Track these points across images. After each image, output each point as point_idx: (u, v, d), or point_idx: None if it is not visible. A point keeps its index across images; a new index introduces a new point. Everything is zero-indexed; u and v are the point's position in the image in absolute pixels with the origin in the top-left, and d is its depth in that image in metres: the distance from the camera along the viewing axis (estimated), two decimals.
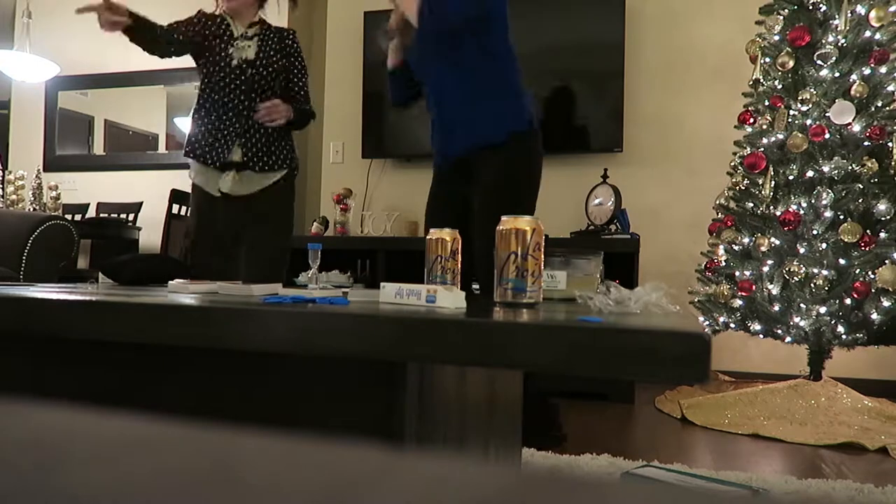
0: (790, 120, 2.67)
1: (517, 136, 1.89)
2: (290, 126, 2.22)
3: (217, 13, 2.26)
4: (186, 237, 2.29)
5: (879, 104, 2.58)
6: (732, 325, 2.78)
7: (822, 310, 2.51)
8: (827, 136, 2.54)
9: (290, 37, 2.27)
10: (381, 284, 1.00)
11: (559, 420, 2.10)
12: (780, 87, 2.77)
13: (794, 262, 2.52)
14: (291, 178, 2.26)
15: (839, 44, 2.62)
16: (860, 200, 2.52)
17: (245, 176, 2.18)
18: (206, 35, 2.21)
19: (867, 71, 2.58)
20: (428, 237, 1.17)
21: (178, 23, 2.23)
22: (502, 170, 1.87)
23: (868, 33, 2.59)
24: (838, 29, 2.61)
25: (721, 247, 2.82)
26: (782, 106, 2.70)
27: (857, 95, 2.53)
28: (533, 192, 1.93)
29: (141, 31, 2.10)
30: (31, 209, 3.59)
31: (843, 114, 2.53)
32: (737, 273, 2.72)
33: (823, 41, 2.63)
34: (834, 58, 2.59)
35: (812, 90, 2.62)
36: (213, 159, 2.17)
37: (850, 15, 2.60)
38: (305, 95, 2.28)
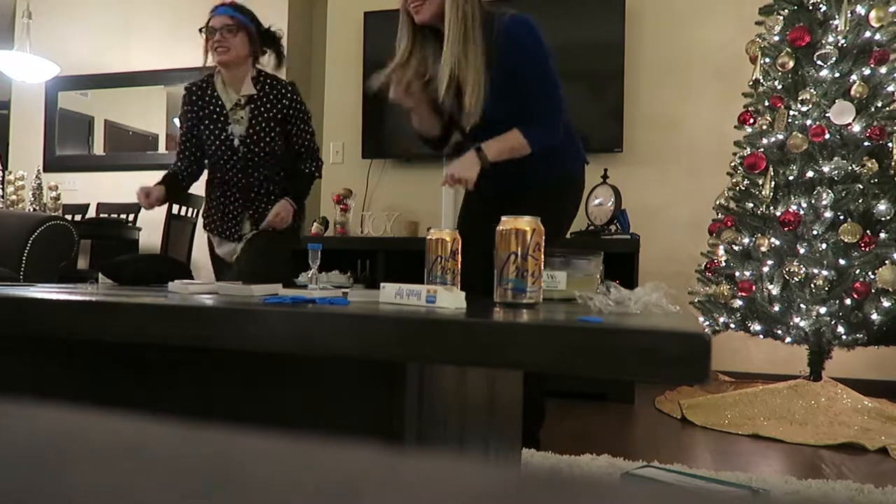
0: (790, 120, 2.67)
1: (570, 182, 1.90)
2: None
3: (203, 81, 2.20)
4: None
5: (879, 104, 2.58)
6: (732, 326, 2.78)
7: (822, 310, 2.51)
8: (827, 136, 2.54)
9: (288, 91, 2.18)
10: (381, 285, 1.00)
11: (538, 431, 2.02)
12: (780, 87, 2.77)
13: (794, 263, 2.52)
14: (299, 223, 2.32)
15: (839, 44, 2.62)
16: (860, 201, 2.52)
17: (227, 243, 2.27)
18: (199, 116, 2.18)
19: (867, 71, 2.58)
20: (428, 237, 1.17)
21: (183, 144, 2.26)
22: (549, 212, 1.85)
23: (868, 34, 2.59)
24: (838, 29, 2.61)
25: (721, 247, 2.82)
26: (782, 106, 2.70)
27: (857, 96, 2.53)
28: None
29: (175, 193, 2.24)
30: (31, 209, 3.59)
31: (843, 114, 2.53)
32: (737, 273, 2.72)
33: (823, 41, 2.63)
34: (834, 58, 2.59)
35: (812, 90, 2.62)
36: (228, 234, 2.24)
37: (849, 15, 2.60)
38: (308, 149, 2.26)
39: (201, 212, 2.35)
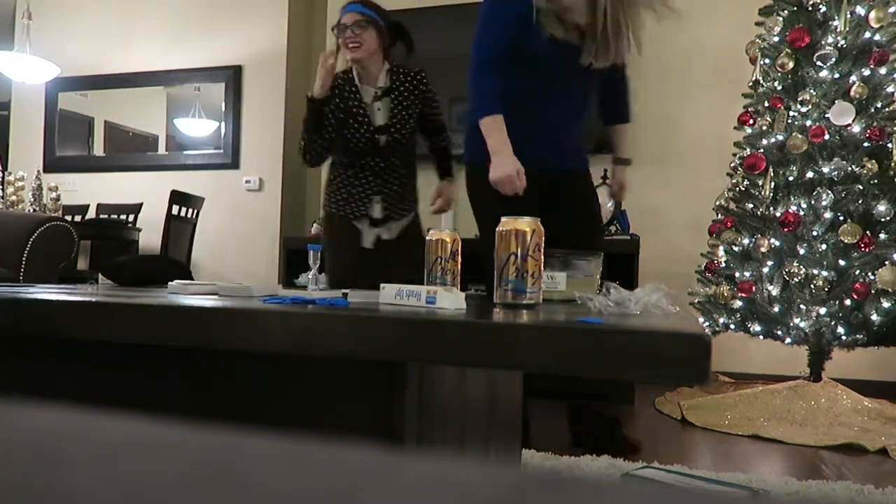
0: (790, 121, 2.67)
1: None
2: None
3: (344, 74, 2.23)
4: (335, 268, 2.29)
5: (879, 105, 2.58)
6: (732, 326, 2.78)
7: (822, 311, 2.51)
8: (827, 137, 2.54)
9: (420, 78, 2.25)
10: (381, 285, 1.00)
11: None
12: (779, 88, 2.77)
13: (794, 263, 2.52)
14: (418, 219, 2.39)
15: (839, 45, 2.62)
16: (860, 201, 2.52)
17: (388, 227, 2.29)
18: (341, 107, 2.21)
19: (867, 72, 2.58)
20: (427, 238, 1.17)
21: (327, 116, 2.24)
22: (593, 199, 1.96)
23: (868, 34, 2.59)
24: (838, 30, 2.61)
25: (721, 248, 2.82)
26: (782, 107, 2.70)
27: (857, 96, 2.53)
28: None
29: (320, 121, 2.18)
30: (31, 210, 3.59)
31: (842, 115, 2.53)
32: (737, 274, 2.72)
33: (823, 42, 2.63)
34: (833, 59, 2.60)
35: (812, 91, 2.62)
36: (353, 213, 2.25)
37: (849, 16, 2.60)
38: (442, 124, 2.36)
39: (325, 193, 2.35)
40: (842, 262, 2.51)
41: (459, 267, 1.17)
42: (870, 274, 2.46)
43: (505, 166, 1.68)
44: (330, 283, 2.17)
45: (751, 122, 2.81)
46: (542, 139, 1.82)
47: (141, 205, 3.97)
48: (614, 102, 2.01)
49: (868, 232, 2.48)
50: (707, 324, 2.83)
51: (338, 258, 2.24)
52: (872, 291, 2.45)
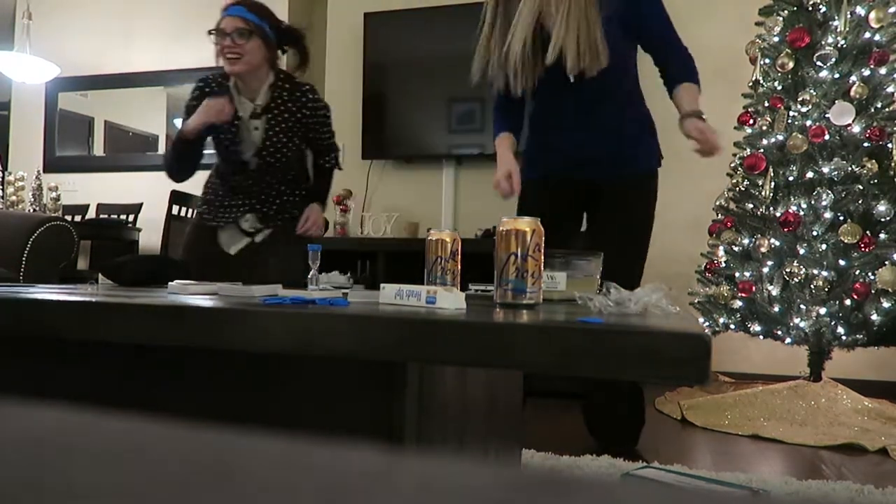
0: (790, 121, 2.67)
1: (653, 175, 2.02)
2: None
3: (218, 81, 2.02)
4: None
5: (879, 105, 2.58)
6: (732, 327, 2.78)
7: (822, 311, 2.51)
8: (827, 137, 2.54)
9: (308, 98, 2.05)
10: (381, 285, 1.00)
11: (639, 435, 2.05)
12: (779, 88, 2.77)
13: (794, 264, 2.52)
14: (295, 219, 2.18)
15: (839, 45, 2.62)
16: (860, 201, 2.52)
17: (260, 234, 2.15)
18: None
19: (867, 72, 2.58)
20: (427, 238, 1.17)
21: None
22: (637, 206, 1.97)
23: (868, 34, 2.59)
24: (838, 30, 2.61)
25: (721, 248, 2.82)
26: (782, 107, 2.70)
27: (857, 96, 2.53)
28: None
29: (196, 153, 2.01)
30: (31, 210, 3.59)
31: (842, 115, 2.53)
32: (737, 274, 2.72)
33: (823, 42, 2.63)
34: (833, 59, 2.60)
35: (812, 91, 2.62)
36: (219, 221, 2.11)
37: (849, 16, 2.60)
38: (328, 146, 2.18)
39: (201, 196, 2.20)
40: (842, 262, 2.51)
41: (459, 267, 1.17)
42: (870, 274, 2.46)
43: (496, 174, 1.86)
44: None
45: (751, 122, 2.81)
46: (561, 150, 1.94)
47: (141, 205, 3.97)
48: (664, 71, 2.00)
49: (868, 232, 2.48)
50: (707, 324, 2.83)
51: (193, 263, 2.05)
52: (872, 291, 2.45)
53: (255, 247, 2.13)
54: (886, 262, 2.45)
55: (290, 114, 2.02)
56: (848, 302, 2.48)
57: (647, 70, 3.08)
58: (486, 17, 1.82)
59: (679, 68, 1.92)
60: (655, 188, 1.99)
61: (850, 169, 2.52)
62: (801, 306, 2.54)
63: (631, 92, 1.95)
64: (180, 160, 2.00)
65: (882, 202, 2.49)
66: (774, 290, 2.60)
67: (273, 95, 2.00)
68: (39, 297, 0.88)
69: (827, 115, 2.56)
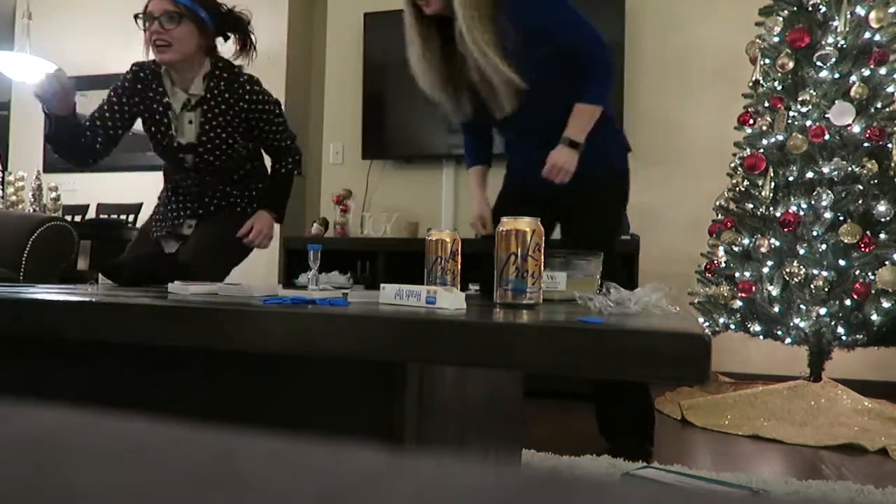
0: (790, 121, 2.67)
1: (618, 173, 1.91)
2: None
3: (153, 69, 1.87)
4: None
5: (879, 105, 2.58)
6: (732, 327, 2.78)
7: (822, 311, 2.51)
8: (827, 137, 2.54)
9: (245, 90, 1.86)
10: (381, 285, 1.00)
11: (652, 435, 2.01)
12: (779, 88, 2.77)
13: (794, 264, 2.52)
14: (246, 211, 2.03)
15: (839, 45, 2.62)
16: (860, 202, 2.51)
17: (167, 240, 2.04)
18: (140, 109, 1.88)
19: (867, 72, 2.58)
20: (427, 238, 1.17)
21: (104, 109, 1.85)
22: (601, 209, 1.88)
23: (868, 34, 2.59)
24: (838, 30, 2.61)
25: (721, 248, 2.82)
26: (782, 107, 2.70)
27: (857, 97, 2.53)
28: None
29: (60, 135, 1.74)
30: (31, 210, 3.59)
31: (842, 115, 2.53)
32: (737, 274, 2.72)
33: (823, 42, 2.63)
34: (833, 59, 2.60)
35: (812, 91, 2.62)
36: (158, 231, 2.01)
37: (849, 16, 2.60)
38: (280, 147, 1.98)
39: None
40: (842, 262, 2.51)
41: (459, 267, 1.17)
42: (870, 274, 2.46)
43: (471, 214, 1.97)
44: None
45: (751, 122, 2.81)
46: (519, 169, 1.97)
47: (141, 205, 3.97)
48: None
49: (868, 232, 2.48)
50: (707, 324, 2.83)
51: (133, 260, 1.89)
52: (872, 291, 2.44)
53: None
54: (886, 262, 2.45)
55: (228, 106, 1.84)
56: (848, 302, 2.48)
57: (648, 69, 3.14)
58: (413, 33, 1.77)
59: (584, 85, 1.76)
60: (619, 183, 1.92)
61: (850, 169, 2.52)
62: (801, 306, 2.54)
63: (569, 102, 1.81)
64: (54, 140, 1.79)
65: (882, 202, 2.49)
66: (774, 290, 2.60)
67: (209, 86, 1.83)
68: (39, 297, 0.88)
69: (827, 115, 2.56)
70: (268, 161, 2.07)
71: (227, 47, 1.93)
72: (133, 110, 1.88)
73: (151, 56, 1.81)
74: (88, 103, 4.36)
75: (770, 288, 2.60)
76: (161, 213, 2.04)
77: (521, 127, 1.86)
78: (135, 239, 2.16)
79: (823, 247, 2.53)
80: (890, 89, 2.57)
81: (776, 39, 2.78)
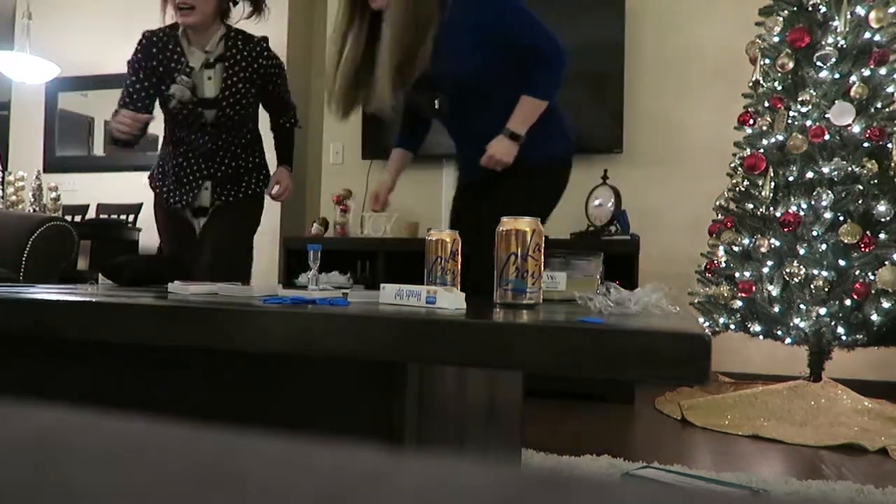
0: (790, 121, 2.67)
1: (550, 161, 1.84)
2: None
3: (164, 32, 2.01)
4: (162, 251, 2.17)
5: (879, 105, 2.58)
6: (732, 327, 2.78)
7: (822, 311, 2.51)
8: (827, 137, 2.54)
9: (263, 48, 2.02)
10: (381, 285, 1.00)
11: None
12: (779, 88, 2.77)
13: (794, 264, 2.52)
14: (260, 196, 2.18)
15: (839, 45, 2.62)
16: (860, 202, 2.51)
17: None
18: (160, 72, 1.98)
19: (867, 72, 2.58)
20: (427, 238, 1.17)
21: (134, 94, 2.01)
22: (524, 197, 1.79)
23: (868, 35, 2.59)
24: (838, 30, 2.61)
25: (721, 248, 2.82)
26: (782, 107, 2.70)
27: (857, 97, 2.53)
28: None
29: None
30: (31, 210, 3.59)
31: (842, 115, 2.53)
32: (737, 274, 2.72)
33: (823, 42, 2.63)
34: (833, 59, 2.60)
35: (812, 91, 2.62)
36: (177, 201, 2.08)
37: (849, 16, 2.60)
38: (287, 103, 2.16)
39: (154, 168, 2.17)
40: (842, 262, 2.51)
41: (459, 267, 1.17)
42: (870, 274, 2.46)
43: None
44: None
45: (751, 122, 2.81)
46: (465, 160, 1.95)
47: (141, 205, 3.97)
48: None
49: (868, 232, 2.48)
50: (707, 324, 2.83)
51: (171, 246, 2.12)
52: (872, 291, 2.45)
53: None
54: (886, 262, 2.45)
55: (247, 63, 1.99)
56: (848, 302, 2.48)
57: (648, 69, 3.14)
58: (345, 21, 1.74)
59: (529, 77, 1.72)
60: (553, 173, 1.86)
61: (850, 169, 2.52)
62: (801, 306, 2.54)
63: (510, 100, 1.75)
64: (126, 146, 2.00)
65: (882, 202, 2.49)
66: (774, 290, 2.60)
67: (227, 45, 1.98)
68: (39, 297, 0.88)
69: (827, 115, 2.56)
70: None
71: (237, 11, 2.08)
72: (153, 75, 2.00)
73: (168, 21, 1.98)
74: (89, 103, 4.38)
75: (770, 288, 2.60)
76: (174, 182, 2.09)
77: (462, 124, 1.87)
78: (168, 225, 2.18)
79: (823, 247, 2.53)
80: (890, 89, 2.57)
81: (776, 39, 2.78)
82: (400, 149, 2.07)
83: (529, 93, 1.70)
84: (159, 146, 2.23)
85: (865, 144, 2.54)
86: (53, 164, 4.34)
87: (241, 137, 2.09)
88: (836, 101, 2.56)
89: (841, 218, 2.52)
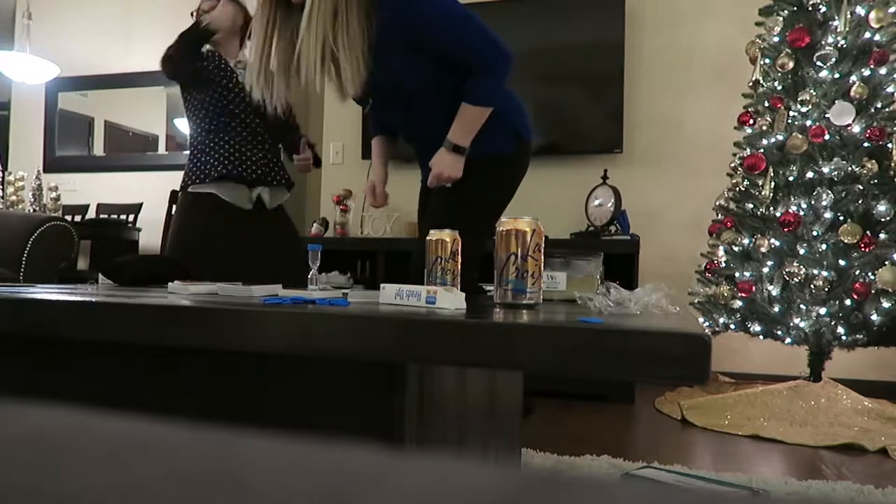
0: (790, 121, 2.67)
1: (493, 158, 1.73)
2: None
3: (210, 52, 2.30)
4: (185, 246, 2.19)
5: (879, 105, 2.58)
6: (732, 326, 2.78)
7: (822, 311, 2.51)
8: (827, 137, 2.54)
9: None
10: (381, 285, 1.00)
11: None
12: (779, 88, 2.77)
13: (794, 264, 2.52)
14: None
15: (839, 45, 2.62)
16: (860, 201, 2.52)
17: (272, 190, 2.30)
18: (209, 69, 2.27)
19: (867, 72, 2.58)
20: (427, 238, 1.17)
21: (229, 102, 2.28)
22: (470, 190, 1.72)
23: (868, 34, 2.59)
24: (838, 30, 2.61)
25: (721, 248, 2.82)
26: (782, 107, 2.70)
27: (857, 96, 2.53)
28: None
29: None
30: (31, 210, 3.59)
31: (842, 115, 2.53)
32: (737, 274, 2.72)
33: (823, 42, 2.63)
34: (834, 59, 2.60)
35: (812, 91, 2.62)
36: (246, 174, 2.24)
37: (849, 16, 2.60)
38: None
39: (197, 167, 2.25)
40: (842, 262, 2.51)
41: (459, 267, 1.17)
42: (870, 274, 2.46)
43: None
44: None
45: (751, 122, 2.81)
46: (422, 169, 1.92)
47: (141, 205, 3.97)
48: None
49: (868, 232, 2.48)
50: (707, 324, 2.83)
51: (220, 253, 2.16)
52: (872, 291, 2.45)
53: (266, 214, 2.28)
54: (886, 262, 2.45)
55: None
56: (848, 302, 2.48)
57: (648, 69, 3.14)
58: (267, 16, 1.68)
59: (468, 84, 1.64)
60: (501, 168, 1.75)
61: (850, 169, 2.52)
62: (801, 306, 2.54)
63: (453, 102, 1.69)
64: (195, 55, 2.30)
65: (882, 202, 2.49)
66: (774, 290, 2.60)
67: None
68: (39, 297, 0.88)
69: (827, 115, 2.56)
70: None
71: None
72: (205, 78, 2.27)
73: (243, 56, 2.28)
74: (89, 103, 4.38)
75: (770, 288, 2.60)
76: (244, 161, 2.23)
77: (407, 129, 1.86)
78: (208, 223, 2.20)
79: (823, 247, 2.53)
80: (890, 89, 2.57)
81: (776, 39, 2.78)
82: (379, 137, 2.05)
83: (469, 100, 1.63)
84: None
85: (865, 144, 2.54)
86: (53, 163, 4.34)
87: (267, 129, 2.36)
88: (836, 101, 2.56)
89: (841, 218, 2.52)
